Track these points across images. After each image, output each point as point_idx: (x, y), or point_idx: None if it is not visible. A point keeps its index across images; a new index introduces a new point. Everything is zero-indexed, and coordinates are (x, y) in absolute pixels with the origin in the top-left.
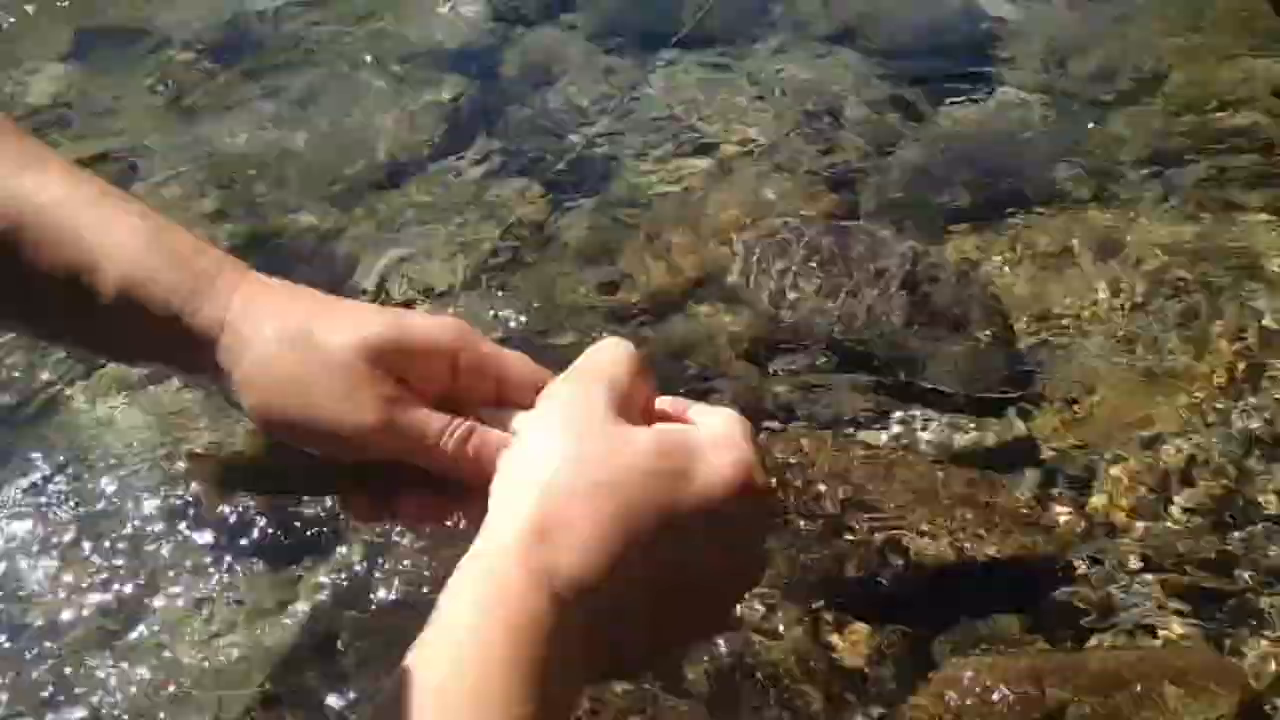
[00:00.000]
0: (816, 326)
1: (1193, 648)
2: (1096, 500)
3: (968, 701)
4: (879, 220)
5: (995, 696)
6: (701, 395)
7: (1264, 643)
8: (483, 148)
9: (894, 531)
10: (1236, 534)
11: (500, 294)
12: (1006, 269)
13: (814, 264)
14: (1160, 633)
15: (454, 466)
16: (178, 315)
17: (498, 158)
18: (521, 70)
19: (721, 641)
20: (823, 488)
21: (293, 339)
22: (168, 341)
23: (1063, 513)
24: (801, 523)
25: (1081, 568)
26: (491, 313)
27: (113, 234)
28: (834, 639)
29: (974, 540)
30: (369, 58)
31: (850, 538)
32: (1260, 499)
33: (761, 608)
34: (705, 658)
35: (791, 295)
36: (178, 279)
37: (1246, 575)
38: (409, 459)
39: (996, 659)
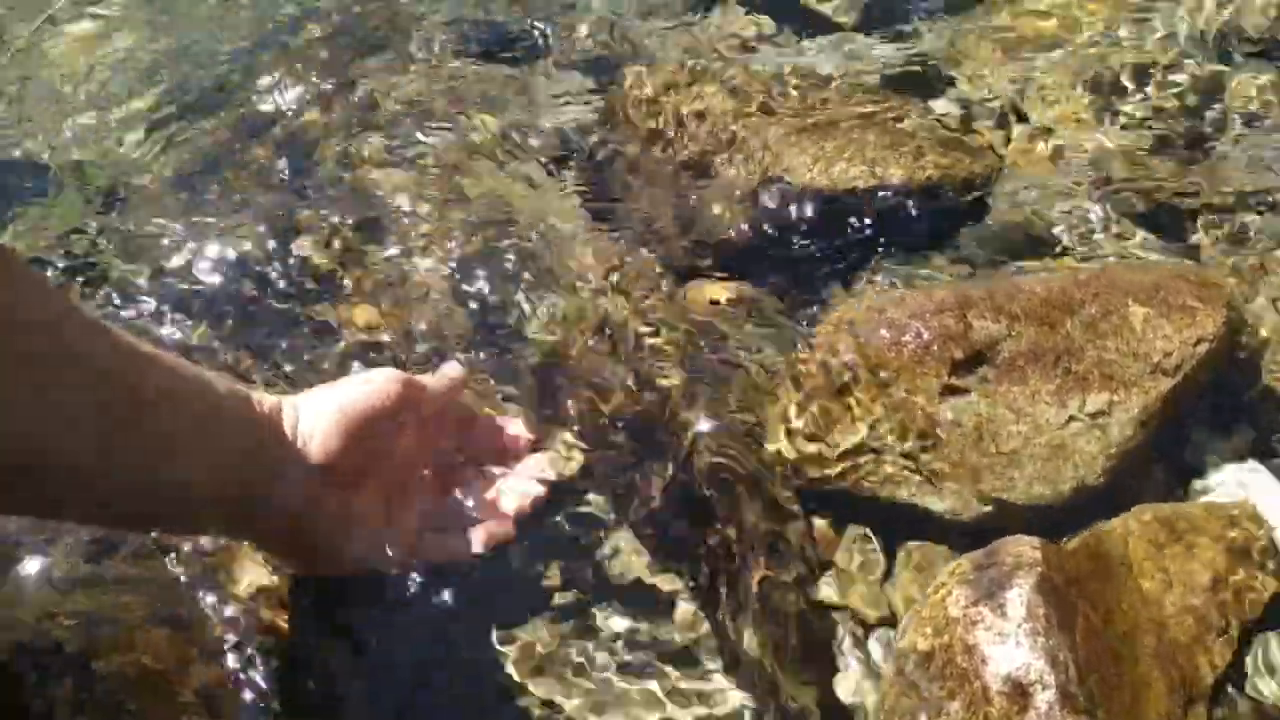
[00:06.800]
0: None
1: (1161, 261)
2: (1030, 114)
3: (867, 345)
4: None
5: (905, 336)
6: None
7: (1248, 258)
8: None
9: (773, 162)
10: (1205, 144)
11: None
12: None
13: None
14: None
15: None
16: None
17: None
18: None
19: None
20: (683, 124)
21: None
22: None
23: (988, 129)
24: (655, 168)
25: (1017, 189)
26: None
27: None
28: (693, 294)
29: (878, 164)
30: None
31: (716, 177)
32: (1232, 101)
33: (602, 278)
34: (543, 315)
35: None
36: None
37: (1215, 193)
38: None
39: (906, 291)
